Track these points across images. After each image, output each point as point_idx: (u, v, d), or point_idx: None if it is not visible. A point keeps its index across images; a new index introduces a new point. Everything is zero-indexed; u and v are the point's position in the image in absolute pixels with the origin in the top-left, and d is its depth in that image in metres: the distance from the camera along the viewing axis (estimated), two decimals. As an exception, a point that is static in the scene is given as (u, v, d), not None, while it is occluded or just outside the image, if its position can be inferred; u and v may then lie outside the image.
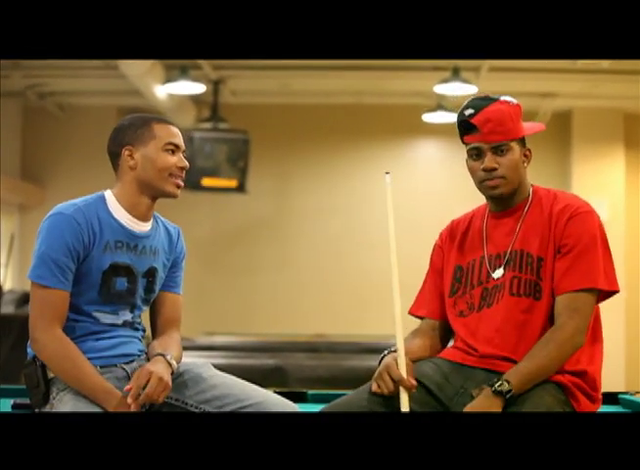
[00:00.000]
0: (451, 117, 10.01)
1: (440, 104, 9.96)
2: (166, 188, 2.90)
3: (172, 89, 9.43)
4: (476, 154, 2.89)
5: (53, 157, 11.19)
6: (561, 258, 2.81)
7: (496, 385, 2.65)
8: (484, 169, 2.86)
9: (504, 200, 2.91)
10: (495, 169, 2.85)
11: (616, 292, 2.83)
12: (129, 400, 2.70)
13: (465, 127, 2.89)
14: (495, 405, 2.64)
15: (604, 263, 2.80)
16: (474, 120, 2.85)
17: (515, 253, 2.88)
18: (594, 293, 2.79)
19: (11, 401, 3.19)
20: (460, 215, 3.11)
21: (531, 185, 2.96)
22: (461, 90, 9.07)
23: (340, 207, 11.18)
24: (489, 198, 2.95)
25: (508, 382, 2.66)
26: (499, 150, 2.85)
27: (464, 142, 2.92)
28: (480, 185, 2.91)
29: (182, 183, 2.93)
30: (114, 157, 2.93)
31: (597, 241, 2.81)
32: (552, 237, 2.83)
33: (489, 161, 2.85)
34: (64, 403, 2.74)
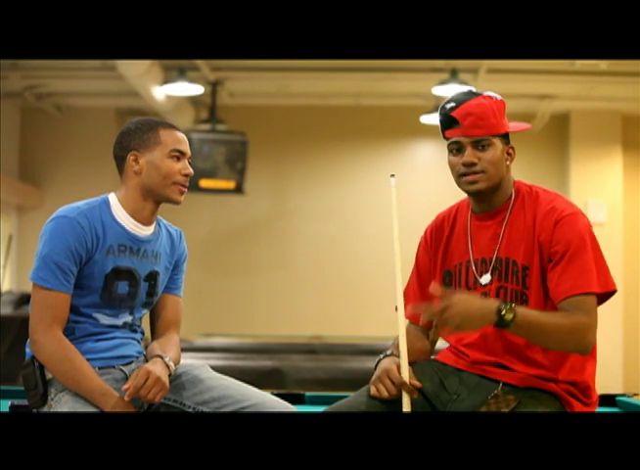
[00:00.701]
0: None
1: (438, 105, 9.93)
2: (170, 195, 2.90)
3: (170, 90, 9.42)
4: (456, 149, 2.82)
5: (51, 158, 11.17)
6: (553, 267, 2.73)
7: (503, 312, 2.57)
8: (464, 164, 2.79)
9: (484, 198, 2.84)
10: (475, 164, 2.78)
11: (613, 292, 2.75)
12: (127, 398, 2.70)
13: (446, 122, 2.83)
14: (488, 321, 2.58)
15: (596, 265, 2.72)
16: (454, 114, 2.80)
17: (500, 260, 2.82)
18: (592, 296, 2.71)
19: (9, 403, 3.18)
20: (445, 209, 3.04)
21: (514, 181, 2.89)
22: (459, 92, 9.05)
23: (338, 208, 11.17)
24: (469, 194, 2.88)
25: (514, 315, 2.57)
26: (480, 145, 2.79)
27: (445, 137, 2.85)
28: (459, 180, 2.83)
29: (185, 190, 2.93)
30: (120, 161, 2.93)
31: (586, 243, 2.73)
32: (538, 244, 2.77)
33: (469, 155, 2.78)
34: (62, 404, 2.74)
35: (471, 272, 2.88)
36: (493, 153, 2.79)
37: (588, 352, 2.71)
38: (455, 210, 2.99)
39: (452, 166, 2.84)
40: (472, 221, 2.91)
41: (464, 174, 2.81)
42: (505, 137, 2.84)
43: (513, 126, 2.86)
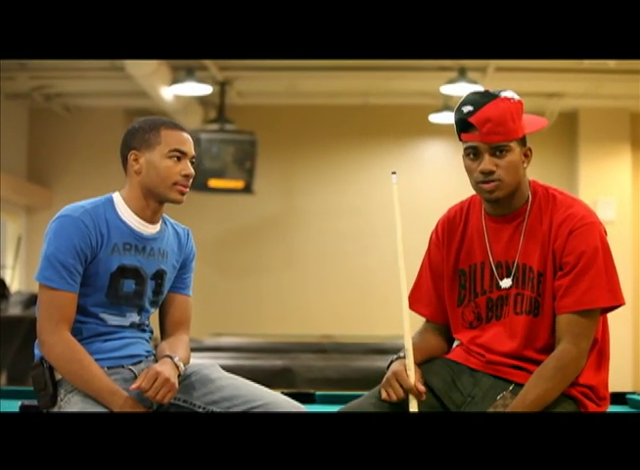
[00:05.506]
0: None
1: (447, 104, 9.95)
2: (169, 195, 2.88)
3: (179, 90, 9.44)
4: (473, 153, 2.75)
5: (59, 158, 11.20)
6: (562, 276, 2.72)
7: None
8: (482, 172, 2.73)
9: (501, 203, 2.79)
10: (493, 172, 2.72)
11: (621, 305, 2.76)
12: (132, 388, 2.70)
13: (463, 125, 2.75)
14: None
15: (607, 278, 2.71)
16: (472, 119, 2.71)
17: (518, 266, 2.79)
18: (596, 311, 2.72)
19: (19, 403, 3.19)
20: (456, 204, 2.99)
21: (530, 182, 2.84)
22: (467, 90, 9.06)
23: (346, 207, 11.18)
24: (486, 201, 2.83)
25: None
26: (498, 151, 2.71)
27: (461, 140, 2.78)
28: (477, 187, 2.78)
29: (186, 190, 2.90)
30: (123, 160, 2.93)
31: (599, 255, 2.70)
32: (552, 251, 2.74)
33: (487, 163, 2.72)
34: (71, 405, 2.74)
35: (487, 274, 2.84)
36: (511, 158, 2.73)
37: (585, 363, 2.73)
38: (467, 205, 2.94)
39: (469, 172, 2.78)
40: (487, 223, 2.87)
41: (482, 182, 2.75)
42: (522, 139, 2.78)
43: (529, 124, 2.79)
